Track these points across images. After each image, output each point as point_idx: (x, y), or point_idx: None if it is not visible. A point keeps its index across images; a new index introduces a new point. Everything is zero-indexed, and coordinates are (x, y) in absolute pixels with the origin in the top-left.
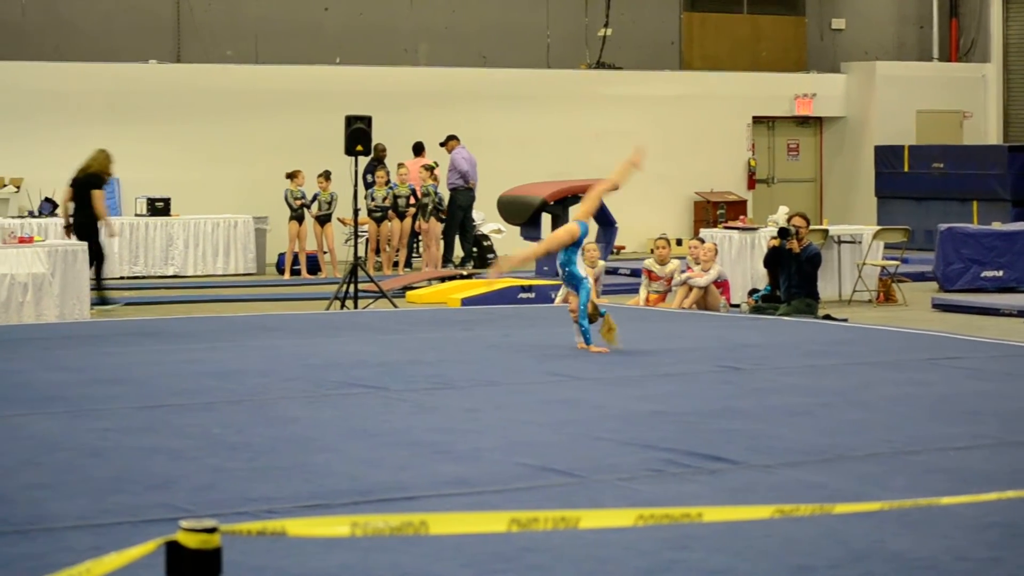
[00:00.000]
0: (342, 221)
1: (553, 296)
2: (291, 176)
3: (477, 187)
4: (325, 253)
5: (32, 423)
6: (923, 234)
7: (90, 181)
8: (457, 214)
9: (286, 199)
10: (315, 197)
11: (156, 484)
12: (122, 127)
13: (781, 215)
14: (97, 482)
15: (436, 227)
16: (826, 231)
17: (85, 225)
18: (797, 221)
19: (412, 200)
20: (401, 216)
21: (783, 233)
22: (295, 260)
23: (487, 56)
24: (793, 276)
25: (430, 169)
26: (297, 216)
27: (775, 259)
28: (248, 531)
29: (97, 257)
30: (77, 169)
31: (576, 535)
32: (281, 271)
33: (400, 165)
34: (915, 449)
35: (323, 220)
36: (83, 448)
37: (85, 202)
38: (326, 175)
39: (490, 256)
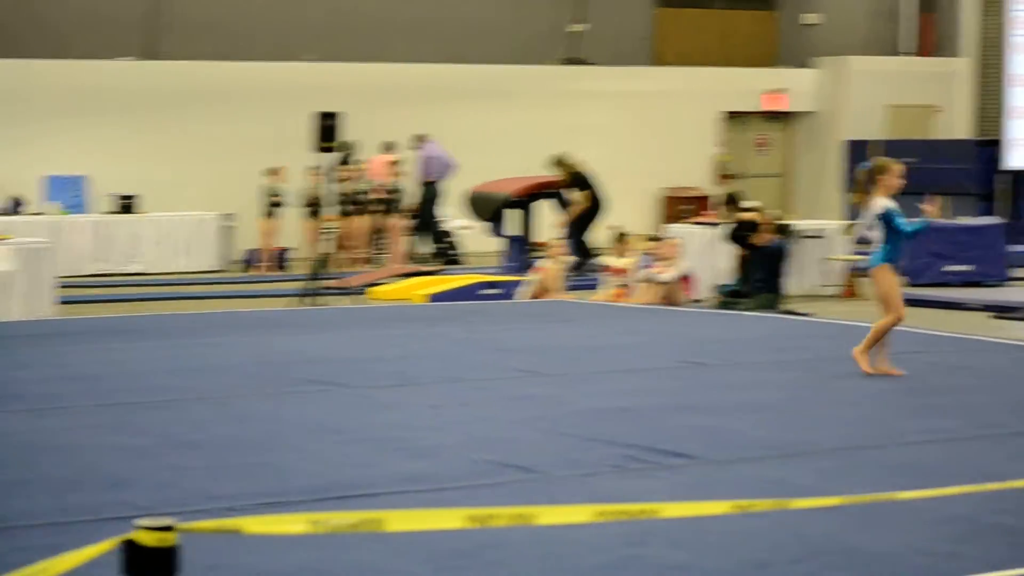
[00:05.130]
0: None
1: (518, 292)
2: (272, 172)
3: (449, 183)
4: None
5: None
6: None
7: None
8: (425, 208)
9: (261, 194)
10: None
11: (115, 482)
12: (90, 124)
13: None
14: (56, 481)
15: (401, 223)
16: (793, 226)
17: None
18: (756, 217)
19: (375, 196)
20: (365, 212)
21: (740, 228)
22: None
23: (459, 52)
24: (758, 270)
25: (394, 165)
26: (270, 212)
27: (738, 237)
28: (204, 529)
29: None
30: None
31: (536, 531)
32: (247, 268)
33: (362, 161)
34: (876, 444)
35: (315, 215)
36: (42, 446)
37: None
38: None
39: (453, 252)
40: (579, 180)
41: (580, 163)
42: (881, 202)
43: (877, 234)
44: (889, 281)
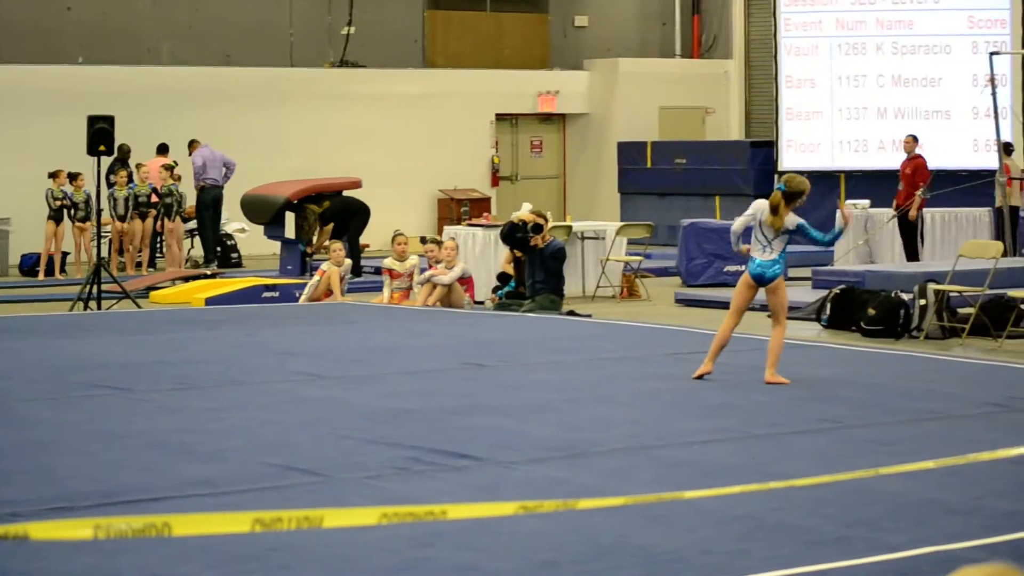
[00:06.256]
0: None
1: (297, 295)
2: (53, 175)
3: (227, 186)
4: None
5: None
6: (666, 230)
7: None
8: (203, 213)
9: (46, 198)
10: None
11: None
12: None
13: (525, 212)
14: None
15: (180, 227)
16: (569, 227)
17: None
18: (534, 219)
19: (153, 199)
20: (143, 216)
21: (518, 230)
22: (49, 261)
23: (231, 55)
24: (537, 272)
25: (170, 168)
26: (55, 216)
27: (513, 238)
28: None
29: None
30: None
31: (323, 535)
32: (25, 272)
33: (139, 165)
34: (659, 443)
35: (84, 220)
36: None
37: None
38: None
39: (234, 256)
40: (326, 218)
41: (325, 206)
42: (792, 218)
43: (778, 245)
44: (786, 293)
